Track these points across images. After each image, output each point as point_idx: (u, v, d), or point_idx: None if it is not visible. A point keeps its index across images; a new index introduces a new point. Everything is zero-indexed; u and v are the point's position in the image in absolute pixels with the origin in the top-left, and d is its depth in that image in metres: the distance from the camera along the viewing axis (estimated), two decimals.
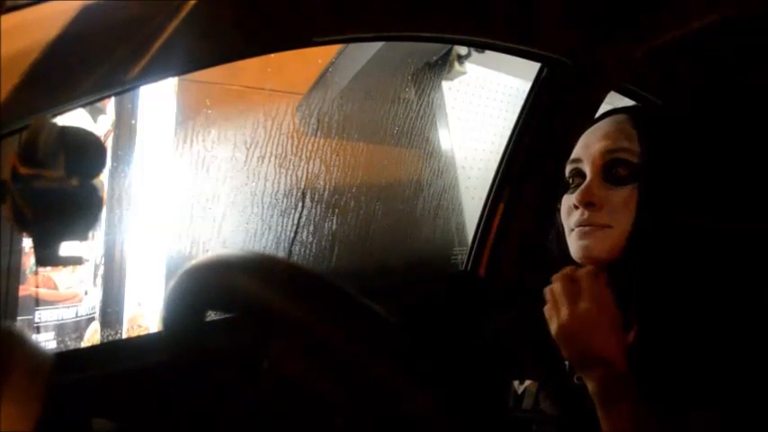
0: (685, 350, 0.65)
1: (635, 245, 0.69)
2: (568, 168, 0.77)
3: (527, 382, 0.79)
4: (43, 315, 1.33)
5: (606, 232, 0.70)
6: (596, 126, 0.76)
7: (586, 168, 0.74)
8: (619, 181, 0.70)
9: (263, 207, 1.39)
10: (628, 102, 1.38)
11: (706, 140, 0.74)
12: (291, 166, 1.41)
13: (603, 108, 1.24)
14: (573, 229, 0.73)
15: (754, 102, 1.23)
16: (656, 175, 0.69)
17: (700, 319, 0.66)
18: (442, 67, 1.95)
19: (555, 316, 0.70)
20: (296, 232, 1.45)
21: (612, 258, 0.70)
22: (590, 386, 0.67)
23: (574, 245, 0.73)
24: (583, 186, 0.72)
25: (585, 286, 0.69)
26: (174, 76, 0.82)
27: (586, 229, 0.71)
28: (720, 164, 0.73)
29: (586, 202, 0.71)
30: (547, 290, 0.73)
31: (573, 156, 0.77)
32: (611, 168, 0.71)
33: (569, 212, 0.74)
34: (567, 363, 0.75)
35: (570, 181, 0.77)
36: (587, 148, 0.74)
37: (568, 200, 0.75)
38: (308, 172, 1.44)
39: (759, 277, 0.72)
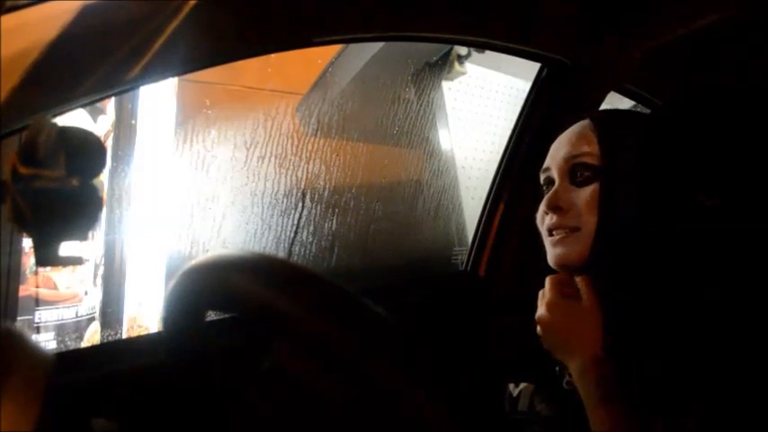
0: (658, 348, 0.65)
1: (601, 242, 0.70)
2: (541, 177, 0.80)
3: (523, 385, 0.80)
4: (43, 315, 1.33)
5: (576, 236, 0.72)
6: (563, 134, 0.79)
7: (555, 175, 0.76)
8: (583, 183, 0.73)
9: (263, 207, 1.39)
10: (628, 102, 1.38)
11: (672, 137, 0.74)
12: (291, 166, 1.40)
13: (603, 108, 1.24)
14: (547, 236, 0.76)
15: (749, 102, 1.23)
16: (613, 172, 0.71)
17: (670, 316, 0.66)
18: (442, 67, 1.95)
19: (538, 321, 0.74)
20: (296, 232, 1.45)
21: (584, 261, 0.72)
22: (578, 387, 0.68)
23: (549, 253, 0.75)
24: (550, 192, 0.75)
25: (547, 293, 0.74)
26: (174, 76, 0.82)
27: (557, 237, 0.74)
28: (690, 158, 0.74)
29: (554, 207, 0.74)
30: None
31: (544, 165, 0.79)
32: (575, 172, 0.74)
33: (542, 218, 0.77)
34: (557, 367, 0.76)
35: (544, 189, 0.79)
36: (554, 156, 0.77)
37: (542, 205, 0.77)
38: (308, 172, 1.44)
39: (725, 271, 0.72)
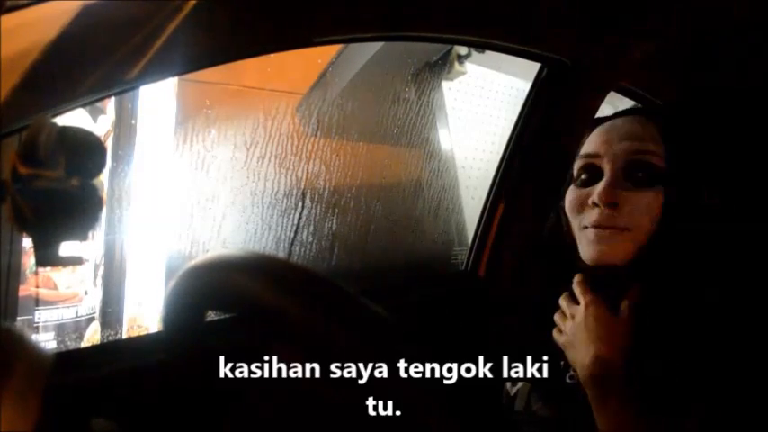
0: (690, 353, 0.65)
1: (655, 248, 0.68)
2: (581, 162, 0.75)
3: (519, 384, 0.79)
4: (43, 315, 1.33)
5: (625, 236, 0.69)
6: (617, 124, 0.74)
7: (605, 166, 0.71)
8: (640, 183, 0.69)
9: (263, 207, 1.39)
10: (628, 102, 1.38)
11: (729, 142, 0.74)
12: (291, 166, 1.40)
13: (603, 108, 1.24)
14: (587, 228, 0.71)
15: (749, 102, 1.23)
16: (682, 179, 0.68)
17: (709, 322, 0.66)
18: (442, 67, 1.95)
19: (561, 328, 0.73)
20: (296, 232, 1.45)
21: (625, 261, 0.69)
22: (587, 388, 0.67)
23: (588, 246, 0.71)
24: (604, 185, 0.70)
25: (585, 291, 0.71)
26: (174, 76, 0.82)
27: (606, 233, 0.69)
28: (744, 164, 0.73)
29: (609, 202, 0.69)
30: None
31: (589, 150, 0.74)
32: (633, 169, 0.70)
33: (583, 208, 0.72)
34: (561, 362, 0.75)
35: (582, 176, 0.74)
36: (609, 146, 0.72)
37: (580, 194, 0.73)
38: (307, 172, 1.44)
39: (739, 271, 0.72)
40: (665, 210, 0.68)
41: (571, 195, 0.74)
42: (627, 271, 0.70)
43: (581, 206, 0.72)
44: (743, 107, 1.18)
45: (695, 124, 0.76)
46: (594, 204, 0.70)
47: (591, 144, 0.74)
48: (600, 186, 0.70)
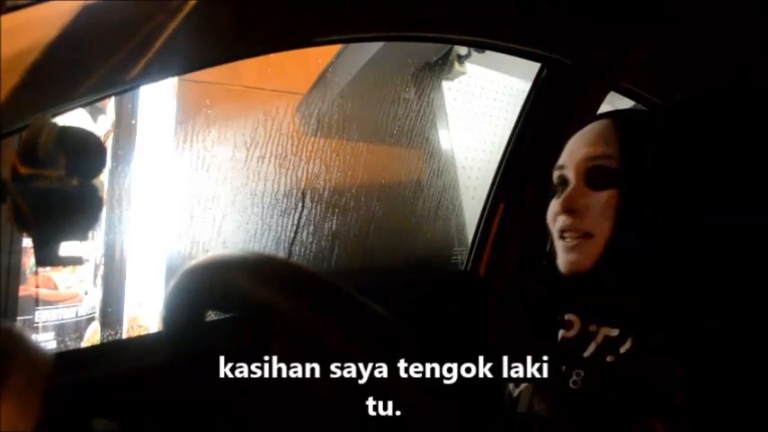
0: (673, 355, 0.64)
1: (614, 250, 0.68)
2: (555, 174, 0.77)
3: (522, 386, 0.78)
4: (43, 315, 1.33)
5: (589, 242, 0.70)
6: (581, 132, 0.76)
7: (570, 175, 0.74)
8: (600, 187, 0.70)
9: (263, 207, 1.39)
10: (628, 102, 1.38)
11: (690, 140, 0.73)
12: (291, 166, 1.40)
13: (603, 108, 1.24)
14: (558, 238, 0.73)
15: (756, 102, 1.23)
16: (633, 178, 0.68)
17: (684, 322, 0.66)
18: (442, 67, 1.95)
19: None
20: (296, 232, 1.45)
21: (591, 269, 0.70)
22: None
23: (560, 257, 0.73)
24: (566, 193, 0.72)
25: None
26: (174, 76, 0.83)
27: (570, 243, 0.71)
28: (706, 163, 0.73)
29: (569, 209, 0.71)
30: None
31: (560, 161, 0.77)
32: (593, 175, 0.71)
33: (554, 218, 0.74)
34: (563, 367, 0.75)
35: (557, 187, 0.77)
36: (571, 155, 0.74)
37: (554, 205, 0.75)
38: (307, 172, 1.44)
39: (745, 275, 0.71)
40: (619, 211, 0.68)
41: (550, 207, 0.76)
42: (592, 277, 0.70)
43: (554, 216, 0.75)
44: (720, 106, 1.18)
45: (653, 124, 0.75)
46: (559, 214, 0.73)
47: (562, 155, 0.77)
48: (563, 195, 0.72)
